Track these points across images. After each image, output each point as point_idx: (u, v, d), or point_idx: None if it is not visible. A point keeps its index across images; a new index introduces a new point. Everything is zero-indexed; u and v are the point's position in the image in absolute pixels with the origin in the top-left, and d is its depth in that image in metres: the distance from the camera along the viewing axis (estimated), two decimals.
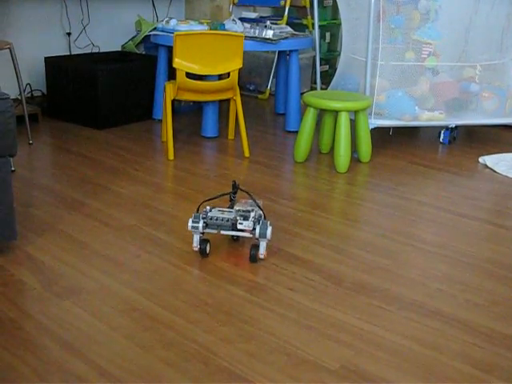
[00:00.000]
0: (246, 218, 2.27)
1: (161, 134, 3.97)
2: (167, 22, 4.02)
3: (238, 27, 3.88)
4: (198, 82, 3.44)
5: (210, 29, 3.94)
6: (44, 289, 2.05)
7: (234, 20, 3.93)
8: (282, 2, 4.95)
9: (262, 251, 2.28)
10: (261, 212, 2.36)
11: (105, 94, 3.96)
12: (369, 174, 3.34)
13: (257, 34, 3.82)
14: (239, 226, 2.26)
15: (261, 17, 5.14)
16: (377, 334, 1.86)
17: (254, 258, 2.27)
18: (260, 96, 5.21)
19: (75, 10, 4.41)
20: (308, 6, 5.24)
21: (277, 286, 2.12)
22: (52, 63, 4.12)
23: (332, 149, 3.70)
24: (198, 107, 4.66)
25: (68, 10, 4.36)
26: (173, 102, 3.66)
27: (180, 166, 3.37)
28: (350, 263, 2.31)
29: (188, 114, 4.57)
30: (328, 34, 5.64)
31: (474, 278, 2.23)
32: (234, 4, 5.12)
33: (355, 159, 3.57)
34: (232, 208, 2.38)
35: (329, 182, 3.20)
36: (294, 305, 2.01)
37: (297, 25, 5.25)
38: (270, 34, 3.80)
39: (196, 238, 2.30)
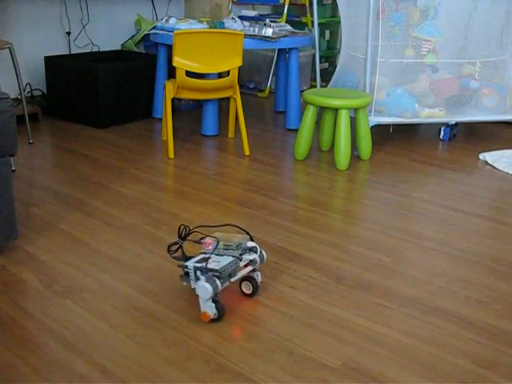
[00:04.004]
0: (248, 251, 1.99)
1: (161, 132, 3.97)
2: (167, 20, 4.02)
3: (238, 25, 3.88)
4: (198, 81, 3.44)
5: (210, 27, 3.94)
6: (45, 288, 2.05)
7: (233, 18, 3.93)
8: (282, 0, 4.95)
9: (260, 278, 2.06)
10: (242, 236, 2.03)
11: (105, 92, 3.96)
12: (369, 172, 3.34)
13: (256, 32, 3.82)
14: (246, 259, 1.97)
15: (260, 15, 5.14)
16: (378, 331, 1.86)
17: (257, 289, 2.03)
18: (260, 94, 5.21)
19: (75, 9, 4.41)
20: (307, 3, 5.24)
21: (278, 284, 2.12)
22: (52, 62, 4.12)
23: (332, 146, 3.70)
24: (198, 106, 4.66)
25: (67, 10, 4.36)
26: (173, 100, 3.66)
27: (180, 164, 3.37)
28: (350, 261, 2.31)
29: (188, 112, 4.57)
30: (327, 32, 5.63)
31: (474, 274, 2.24)
32: (233, 2, 5.12)
33: (355, 157, 3.57)
34: (185, 257, 1.97)
35: (329, 180, 3.20)
36: (295, 303, 2.01)
37: (296, 23, 5.25)
38: (269, 32, 3.80)
39: (210, 304, 1.86)
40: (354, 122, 3.50)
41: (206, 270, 1.87)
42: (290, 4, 4.97)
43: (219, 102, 4.08)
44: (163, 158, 3.46)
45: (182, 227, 2.02)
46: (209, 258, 1.92)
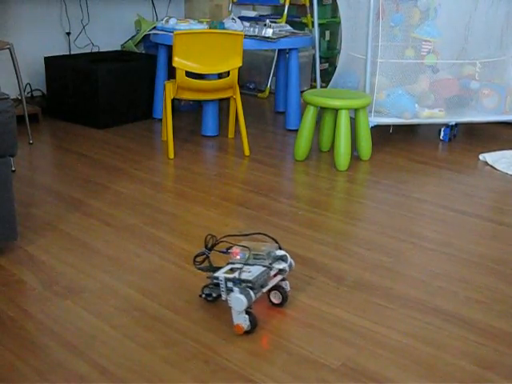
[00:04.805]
0: (277, 260, 1.93)
1: (161, 133, 3.97)
2: (167, 21, 4.02)
3: (238, 26, 3.88)
4: (198, 81, 3.44)
5: (210, 28, 3.93)
6: (45, 288, 2.05)
7: (233, 19, 3.93)
8: (282, 1, 4.95)
9: (289, 287, 2.00)
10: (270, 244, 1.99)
11: (105, 93, 3.96)
12: (369, 172, 3.34)
13: (256, 33, 3.82)
14: (276, 268, 1.90)
15: (260, 15, 5.14)
16: (378, 331, 1.86)
17: (286, 299, 1.97)
18: (260, 94, 5.21)
19: (75, 9, 4.41)
20: (307, 4, 5.24)
21: None
22: (52, 63, 4.12)
23: (332, 147, 3.69)
24: (198, 106, 4.66)
25: (68, 10, 4.36)
26: (173, 101, 3.66)
27: (180, 164, 3.37)
28: (350, 261, 2.31)
29: (188, 112, 4.57)
30: (327, 32, 5.63)
31: (474, 275, 2.24)
32: (233, 3, 5.12)
33: (355, 157, 3.56)
34: (212, 268, 1.95)
35: (329, 180, 3.20)
36: (295, 303, 2.01)
37: (296, 23, 5.24)
38: (269, 32, 3.80)
39: (243, 316, 1.80)
40: (353, 123, 3.50)
41: (239, 281, 1.81)
42: (290, 4, 4.97)
43: (219, 103, 4.08)
44: (163, 159, 3.46)
45: (209, 237, 1.97)
46: (242, 268, 1.84)
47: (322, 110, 3.65)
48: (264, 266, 1.88)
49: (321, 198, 2.95)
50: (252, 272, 1.84)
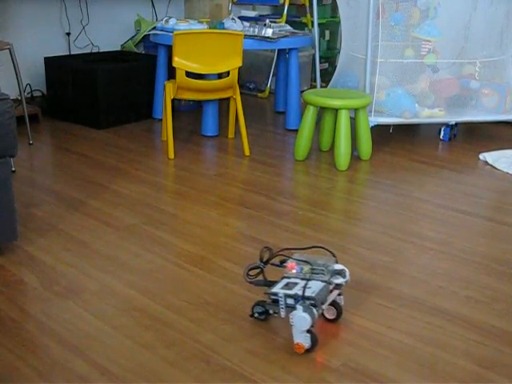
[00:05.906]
0: (335, 274, 1.83)
1: (161, 133, 3.97)
2: (166, 21, 4.02)
3: (238, 26, 3.88)
4: (198, 81, 3.44)
5: (210, 28, 3.93)
6: (45, 289, 2.05)
7: (233, 19, 3.93)
8: (281, 1, 4.95)
9: (343, 302, 1.91)
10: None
11: (104, 93, 3.96)
12: (369, 172, 3.34)
13: (256, 33, 3.82)
14: (337, 281, 1.82)
15: (260, 15, 5.14)
16: (378, 331, 1.86)
17: (340, 315, 1.89)
18: (260, 94, 5.21)
19: (75, 10, 4.41)
20: (307, 4, 5.24)
21: None
22: (52, 63, 4.12)
23: (332, 147, 3.69)
24: (198, 106, 4.66)
25: (67, 10, 4.36)
26: (173, 101, 3.66)
27: (180, 165, 3.37)
28: (350, 261, 2.31)
29: (188, 113, 4.57)
30: (327, 32, 5.63)
31: (475, 274, 2.23)
32: (233, 3, 5.12)
33: (355, 157, 3.56)
34: (267, 283, 1.86)
35: (329, 180, 3.20)
36: None
37: (296, 23, 5.24)
38: (269, 32, 3.80)
39: (305, 335, 1.71)
40: (353, 123, 3.50)
41: (301, 298, 1.72)
42: (289, 4, 4.97)
43: (219, 103, 4.08)
44: (163, 159, 3.46)
45: (265, 250, 1.87)
46: (306, 285, 1.75)
47: (321, 110, 3.65)
48: (323, 282, 1.79)
49: (321, 198, 2.95)
50: (313, 288, 1.75)
